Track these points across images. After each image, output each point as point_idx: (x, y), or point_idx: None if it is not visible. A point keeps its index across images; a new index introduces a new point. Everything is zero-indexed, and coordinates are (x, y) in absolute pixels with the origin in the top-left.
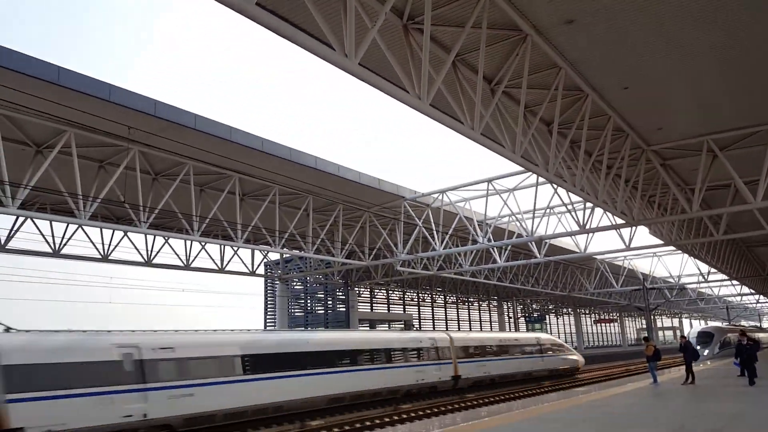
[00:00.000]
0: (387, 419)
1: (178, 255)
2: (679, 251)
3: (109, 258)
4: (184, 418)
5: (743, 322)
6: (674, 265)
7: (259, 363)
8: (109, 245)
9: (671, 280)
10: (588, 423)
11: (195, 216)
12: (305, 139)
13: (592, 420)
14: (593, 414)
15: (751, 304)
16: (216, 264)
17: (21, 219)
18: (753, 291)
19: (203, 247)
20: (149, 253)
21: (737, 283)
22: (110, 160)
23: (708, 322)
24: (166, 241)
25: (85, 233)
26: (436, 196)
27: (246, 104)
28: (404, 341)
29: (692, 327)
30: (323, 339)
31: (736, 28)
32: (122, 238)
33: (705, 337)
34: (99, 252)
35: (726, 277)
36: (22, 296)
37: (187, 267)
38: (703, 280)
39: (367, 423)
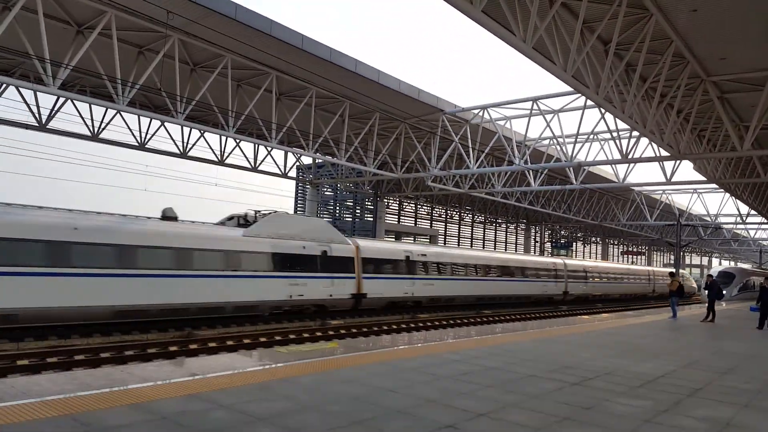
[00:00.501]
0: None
1: (213, 150)
2: (721, 190)
3: (146, 146)
4: None
5: None
6: (712, 204)
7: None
8: (146, 133)
9: (707, 218)
10: (600, 348)
11: (231, 111)
12: (346, 45)
13: (603, 346)
14: (605, 340)
15: None
16: (249, 162)
17: (61, 100)
18: None
19: (237, 144)
20: (185, 145)
21: None
22: (149, 47)
23: (737, 263)
24: (202, 135)
25: (123, 119)
26: (476, 111)
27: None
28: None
29: (720, 266)
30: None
31: None
32: (159, 127)
33: (725, 277)
34: (136, 139)
35: (765, 220)
36: (61, 176)
37: (221, 162)
38: (740, 221)
39: (384, 327)
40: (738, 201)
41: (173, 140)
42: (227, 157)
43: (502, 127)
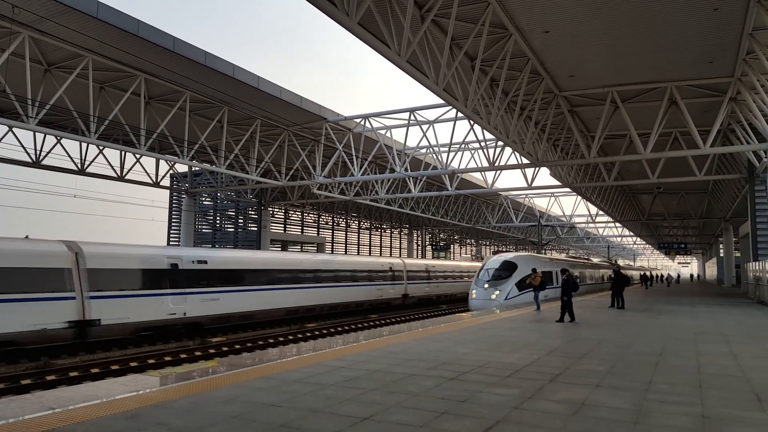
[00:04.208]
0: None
1: (71, 157)
2: (574, 193)
3: None
4: None
5: (616, 258)
6: (567, 206)
7: None
8: None
9: (563, 219)
10: (474, 343)
11: (93, 116)
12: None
13: (477, 341)
14: (478, 335)
15: (629, 245)
16: (115, 171)
17: None
18: (632, 233)
19: (101, 151)
20: (38, 153)
21: (620, 225)
22: None
23: (593, 258)
24: (59, 141)
25: None
26: (358, 120)
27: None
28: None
29: (502, 253)
30: None
31: None
32: (6, 133)
33: (504, 270)
34: None
35: (611, 220)
36: None
37: (81, 172)
38: (591, 220)
39: (270, 341)
40: (588, 203)
41: (24, 148)
42: (89, 165)
43: (383, 136)
